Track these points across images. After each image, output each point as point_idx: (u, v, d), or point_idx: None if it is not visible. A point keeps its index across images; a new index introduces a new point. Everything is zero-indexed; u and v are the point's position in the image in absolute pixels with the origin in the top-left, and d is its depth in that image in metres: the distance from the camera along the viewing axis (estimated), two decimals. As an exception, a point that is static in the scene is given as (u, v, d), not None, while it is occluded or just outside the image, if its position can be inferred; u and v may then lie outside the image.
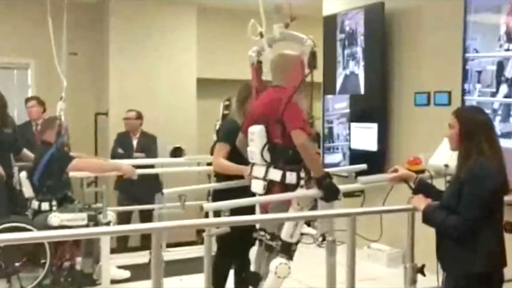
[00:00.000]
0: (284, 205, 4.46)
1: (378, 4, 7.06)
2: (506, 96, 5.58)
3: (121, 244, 8.34)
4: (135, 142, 9.01)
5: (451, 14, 6.24)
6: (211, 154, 8.41)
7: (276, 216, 4.43)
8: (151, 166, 8.31)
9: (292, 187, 4.42)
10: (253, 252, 4.76)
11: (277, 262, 4.34)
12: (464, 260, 3.64)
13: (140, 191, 8.14)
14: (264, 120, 4.52)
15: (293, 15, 4.73)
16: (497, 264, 3.70)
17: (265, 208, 4.58)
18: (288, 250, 4.41)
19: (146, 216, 8.13)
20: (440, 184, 4.35)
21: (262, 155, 4.49)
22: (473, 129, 3.67)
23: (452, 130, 3.75)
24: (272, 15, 4.78)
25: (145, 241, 8.12)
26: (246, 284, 4.78)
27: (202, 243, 7.70)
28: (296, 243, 4.47)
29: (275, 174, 4.44)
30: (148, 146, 9.00)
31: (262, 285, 4.47)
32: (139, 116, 9.09)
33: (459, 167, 3.70)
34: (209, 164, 7.40)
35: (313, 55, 4.47)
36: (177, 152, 9.44)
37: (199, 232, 8.29)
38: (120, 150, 8.79)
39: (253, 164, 4.62)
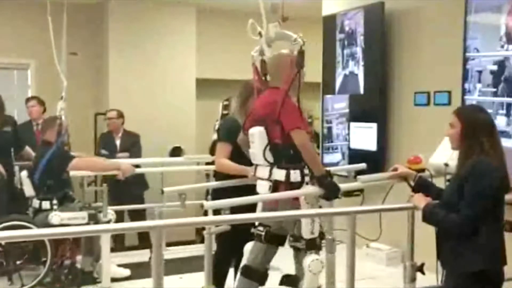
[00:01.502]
0: (294, 203, 4.46)
1: (378, 4, 7.07)
2: (506, 96, 5.60)
3: (119, 244, 8.34)
4: (118, 142, 9.00)
5: (452, 13, 6.24)
6: (210, 153, 8.46)
7: (276, 215, 4.44)
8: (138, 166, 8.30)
9: (297, 185, 4.43)
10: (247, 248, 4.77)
11: (309, 259, 4.37)
12: (464, 258, 3.64)
13: (126, 191, 8.13)
14: (263, 121, 4.53)
15: (285, 15, 4.74)
16: (497, 262, 3.70)
17: (271, 207, 4.58)
18: (314, 246, 4.44)
19: (137, 216, 8.13)
20: (440, 183, 4.36)
21: (264, 156, 4.50)
22: (475, 128, 3.68)
23: (453, 129, 3.75)
24: (269, 15, 4.78)
25: (142, 241, 8.17)
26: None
27: (201, 242, 7.80)
28: (320, 236, 4.49)
29: (280, 174, 4.45)
30: (132, 145, 8.98)
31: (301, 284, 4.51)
32: (121, 115, 9.06)
33: (460, 166, 3.71)
34: (208, 163, 7.45)
35: (301, 54, 4.44)
36: (176, 151, 9.44)
37: (198, 231, 8.33)
38: (103, 151, 8.73)
39: (257, 165, 4.65)
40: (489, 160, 3.59)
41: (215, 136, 7.53)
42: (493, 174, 3.58)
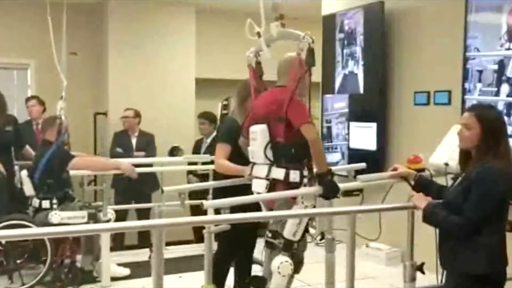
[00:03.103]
0: (289, 204, 4.46)
1: (377, 3, 7.07)
2: (507, 95, 5.59)
3: (118, 243, 8.35)
4: (134, 141, 9.04)
5: (452, 13, 6.24)
6: (193, 152, 8.54)
7: (276, 214, 4.44)
8: (150, 165, 8.34)
9: (295, 186, 4.41)
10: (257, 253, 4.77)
11: (279, 260, 4.33)
12: (465, 258, 3.63)
13: (137, 190, 8.18)
14: (265, 119, 4.53)
15: (283, 14, 4.71)
16: (498, 263, 3.68)
17: (270, 206, 4.59)
18: (290, 248, 4.41)
19: (144, 215, 8.16)
20: (440, 183, 4.35)
21: (265, 154, 4.49)
22: (494, 131, 3.64)
23: (470, 131, 3.67)
24: (269, 14, 4.77)
25: (143, 240, 8.18)
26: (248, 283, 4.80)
27: (197, 241, 7.83)
28: (298, 241, 4.47)
29: (279, 173, 4.43)
30: (148, 144, 9.03)
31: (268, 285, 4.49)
32: (137, 115, 9.12)
33: (471, 167, 3.67)
34: (204, 163, 7.52)
35: (310, 52, 4.40)
36: (175, 151, 9.46)
37: (196, 230, 8.33)
38: (119, 149, 8.80)
39: (254, 164, 4.64)
40: (499, 164, 3.55)
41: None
42: (501, 180, 3.55)
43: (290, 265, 4.34)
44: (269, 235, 4.50)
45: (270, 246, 4.53)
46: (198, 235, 8.07)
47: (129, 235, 8.67)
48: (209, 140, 8.71)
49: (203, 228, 4.54)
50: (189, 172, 8.67)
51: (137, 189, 8.14)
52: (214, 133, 8.68)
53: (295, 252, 4.45)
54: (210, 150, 8.04)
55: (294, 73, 4.45)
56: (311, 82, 4.47)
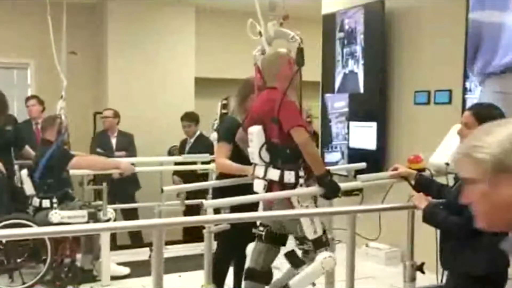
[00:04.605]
0: (287, 204, 4.45)
1: (378, 3, 7.06)
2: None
3: (111, 242, 8.36)
4: (114, 141, 9.08)
5: (452, 12, 6.24)
6: (179, 152, 8.56)
7: (276, 214, 4.44)
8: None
9: (291, 186, 4.40)
10: (249, 248, 4.77)
11: (322, 257, 4.28)
12: (465, 258, 3.62)
13: (120, 190, 8.17)
14: (261, 120, 4.52)
15: (286, 14, 4.71)
16: (499, 266, 3.67)
17: (269, 206, 4.58)
18: (321, 243, 4.39)
19: (131, 214, 8.16)
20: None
21: (260, 155, 4.49)
22: None
23: (470, 130, 3.63)
24: (267, 14, 4.78)
25: (135, 240, 8.20)
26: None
27: (187, 241, 7.81)
28: (324, 232, 4.44)
29: (274, 174, 4.42)
30: (129, 144, 9.07)
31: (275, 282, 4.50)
32: (116, 115, 9.15)
33: None
34: (178, 163, 7.61)
35: (300, 52, 4.41)
36: (174, 150, 9.47)
37: (186, 230, 8.34)
38: (99, 150, 8.78)
39: (255, 164, 4.64)
40: None
41: (214, 135, 7.52)
42: None
43: (333, 260, 4.29)
44: (297, 242, 4.51)
45: (305, 252, 4.53)
46: (189, 235, 8.10)
47: (120, 235, 8.66)
48: (192, 140, 8.79)
49: (200, 228, 4.54)
50: (174, 173, 8.70)
51: (120, 189, 8.13)
52: (198, 133, 8.75)
53: (328, 243, 4.44)
54: (194, 149, 8.29)
55: (283, 74, 4.45)
56: (301, 82, 4.48)
